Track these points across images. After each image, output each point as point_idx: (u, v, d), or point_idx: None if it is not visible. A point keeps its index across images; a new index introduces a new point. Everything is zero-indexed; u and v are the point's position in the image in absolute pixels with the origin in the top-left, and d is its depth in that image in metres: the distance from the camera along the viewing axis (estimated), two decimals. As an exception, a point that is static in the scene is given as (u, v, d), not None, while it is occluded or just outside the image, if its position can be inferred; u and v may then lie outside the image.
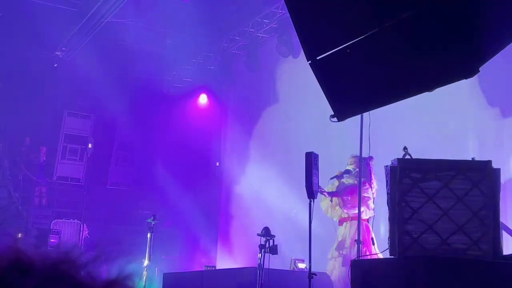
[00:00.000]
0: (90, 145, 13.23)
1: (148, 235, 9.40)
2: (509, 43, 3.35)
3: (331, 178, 8.24)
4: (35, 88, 13.33)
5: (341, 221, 8.19)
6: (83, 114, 14.37)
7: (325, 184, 8.13)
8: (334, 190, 8.27)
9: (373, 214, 8.00)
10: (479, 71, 3.18)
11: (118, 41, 13.13)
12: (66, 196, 14.28)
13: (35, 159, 13.99)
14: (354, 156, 8.18)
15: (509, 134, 8.37)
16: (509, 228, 6.77)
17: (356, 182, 8.03)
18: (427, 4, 3.14)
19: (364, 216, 7.75)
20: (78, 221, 13.06)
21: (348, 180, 8.20)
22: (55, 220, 13.16)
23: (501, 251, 4.58)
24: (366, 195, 7.78)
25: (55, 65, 13.84)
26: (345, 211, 8.10)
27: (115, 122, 14.82)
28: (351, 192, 8.07)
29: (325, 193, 8.19)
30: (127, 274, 1.19)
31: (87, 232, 12.99)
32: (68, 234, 12.97)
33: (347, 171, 8.22)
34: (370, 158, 7.72)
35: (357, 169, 8.02)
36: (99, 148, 14.20)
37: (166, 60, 14.02)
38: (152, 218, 9.51)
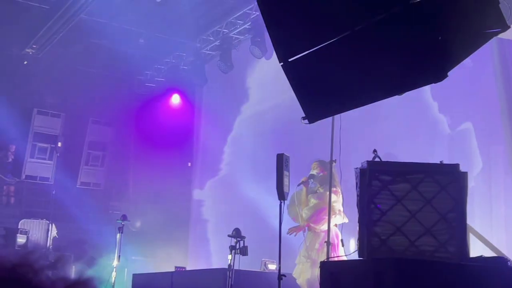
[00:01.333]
0: (59, 144, 13.08)
1: (118, 235, 9.33)
2: (476, 49, 3.41)
3: (298, 185, 8.18)
4: (4, 86, 13.13)
5: (309, 226, 8.15)
6: (53, 113, 14.18)
7: (293, 189, 8.05)
8: (303, 196, 8.16)
9: (346, 221, 7.86)
10: (447, 75, 3.23)
11: (90, 40, 13.00)
12: (34, 195, 14.08)
13: (3, 157, 13.79)
14: (317, 161, 8.22)
15: (476, 137, 8.50)
16: (476, 231, 6.87)
17: (320, 187, 8.06)
18: (397, 10, 3.18)
19: (336, 222, 7.71)
20: (47, 221, 12.90)
21: (312, 201, 8.09)
22: (23, 220, 12.98)
23: (468, 253, 4.65)
24: (336, 208, 7.69)
25: (25, 63, 13.65)
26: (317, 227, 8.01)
27: (86, 121, 14.66)
28: (319, 219, 7.93)
29: (298, 231, 8.07)
30: (87, 276, 1.18)
31: (55, 232, 12.84)
32: (36, 233, 12.80)
33: (311, 176, 8.20)
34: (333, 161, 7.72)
35: (321, 173, 8.06)
36: (69, 147, 14.05)
37: (138, 59, 13.92)
38: (121, 218, 9.44)
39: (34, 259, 1.18)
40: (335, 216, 7.61)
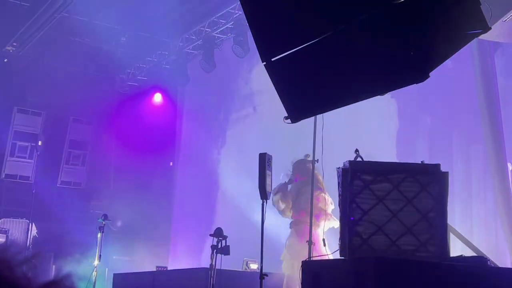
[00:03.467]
0: (40, 143, 12.96)
1: (99, 235, 9.28)
2: (458, 49, 3.43)
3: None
4: (-17, 84, 12.99)
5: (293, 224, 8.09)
6: (34, 111, 14.05)
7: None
8: (288, 191, 8.09)
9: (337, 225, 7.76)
10: (429, 76, 3.25)
11: (71, 37, 12.90)
12: (14, 194, 13.93)
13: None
14: (294, 164, 8.10)
15: (457, 137, 8.57)
16: (456, 230, 6.93)
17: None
18: (380, 11, 3.19)
19: (330, 225, 7.62)
20: (27, 220, 12.79)
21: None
22: (2, 219, 12.86)
23: (448, 253, 4.69)
24: (329, 211, 7.61)
25: (5, 60, 13.51)
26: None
27: (66, 119, 14.56)
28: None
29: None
30: (65, 274, 1.16)
31: (35, 231, 12.73)
32: (16, 233, 12.69)
33: (290, 181, 8.12)
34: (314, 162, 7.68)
35: (298, 180, 7.94)
36: (50, 146, 13.93)
37: (120, 57, 13.84)
38: (102, 218, 9.39)
39: (11, 256, 1.15)
40: (329, 220, 7.57)
